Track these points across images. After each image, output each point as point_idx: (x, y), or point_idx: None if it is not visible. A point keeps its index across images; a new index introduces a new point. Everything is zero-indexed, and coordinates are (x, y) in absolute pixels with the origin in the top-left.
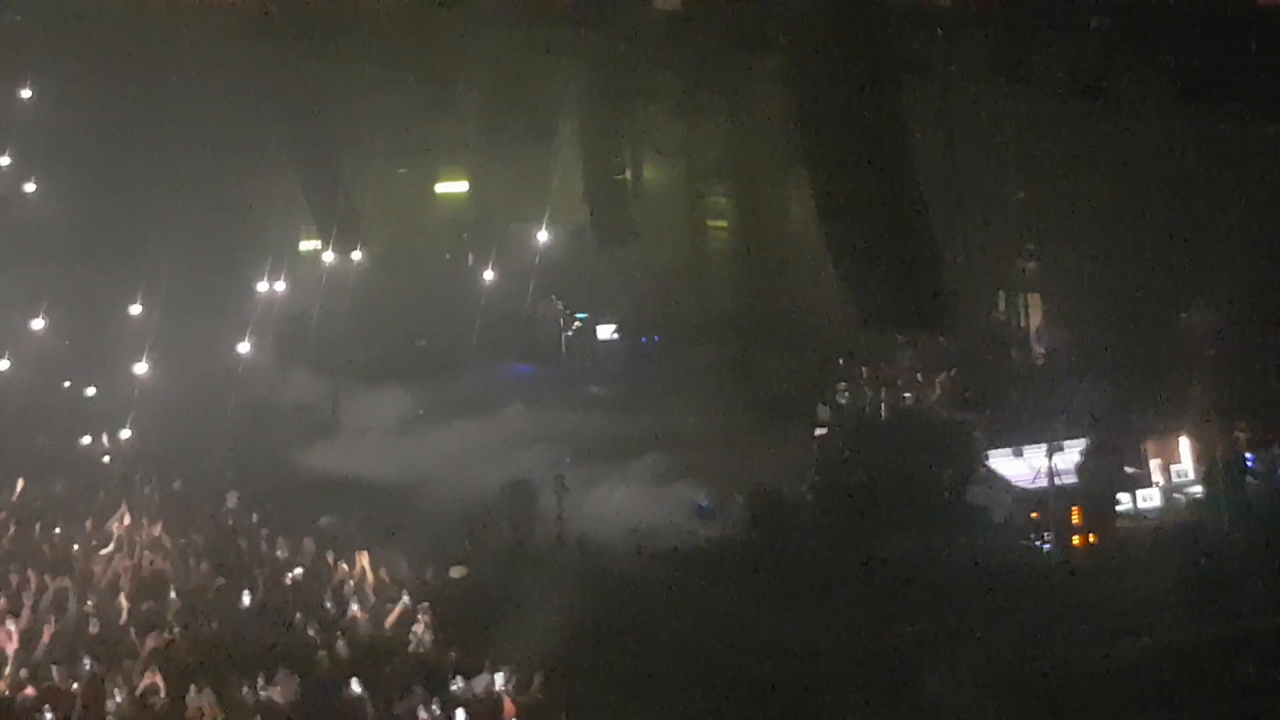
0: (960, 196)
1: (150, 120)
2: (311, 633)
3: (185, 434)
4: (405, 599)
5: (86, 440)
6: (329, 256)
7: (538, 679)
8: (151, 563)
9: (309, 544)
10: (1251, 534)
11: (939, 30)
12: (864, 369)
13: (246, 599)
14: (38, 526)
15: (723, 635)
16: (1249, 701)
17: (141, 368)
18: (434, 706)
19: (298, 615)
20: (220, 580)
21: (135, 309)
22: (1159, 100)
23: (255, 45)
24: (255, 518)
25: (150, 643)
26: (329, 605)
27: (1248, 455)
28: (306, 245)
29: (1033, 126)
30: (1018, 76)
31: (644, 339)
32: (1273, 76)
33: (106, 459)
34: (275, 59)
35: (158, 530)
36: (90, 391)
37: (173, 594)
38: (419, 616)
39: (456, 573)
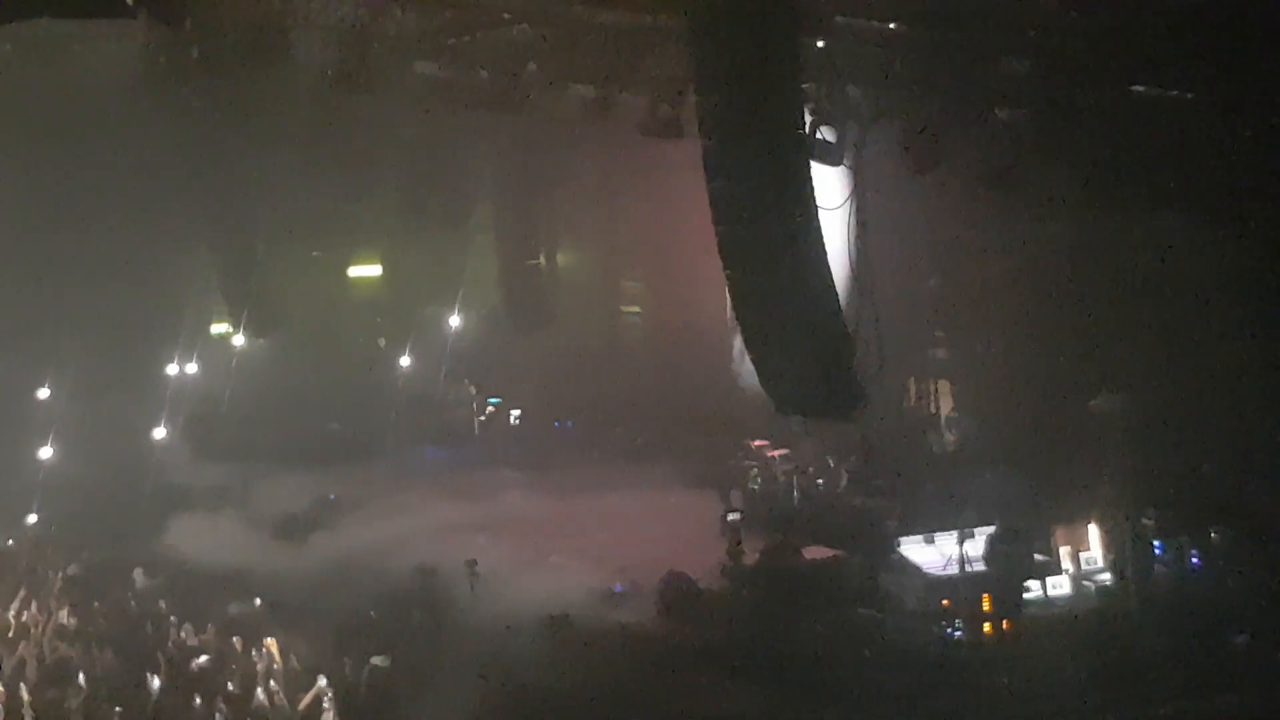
0: (872, 284)
1: (62, 199)
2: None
3: (92, 518)
4: (321, 681)
5: None
6: (240, 339)
7: None
8: (56, 649)
9: (217, 630)
10: (1160, 621)
11: (851, 122)
12: (776, 454)
13: (154, 685)
14: None
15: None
16: None
17: (46, 451)
18: None
19: (204, 702)
20: (126, 667)
21: (43, 392)
22: (1067, 191)
23: (171, 126)
24: (163, 604)
25: None
26: (236, 690)
27: (1156, 543)
28: (218, 328)
29: (943, 215)
30: (927, 167)
31: (557, 423)
32: (1177, 170)
33: (11, 543)
34: (190, 139)
35: (63, 616)
36: None
37: (81, 679)
38: (326, 704)
39: (380, 661)
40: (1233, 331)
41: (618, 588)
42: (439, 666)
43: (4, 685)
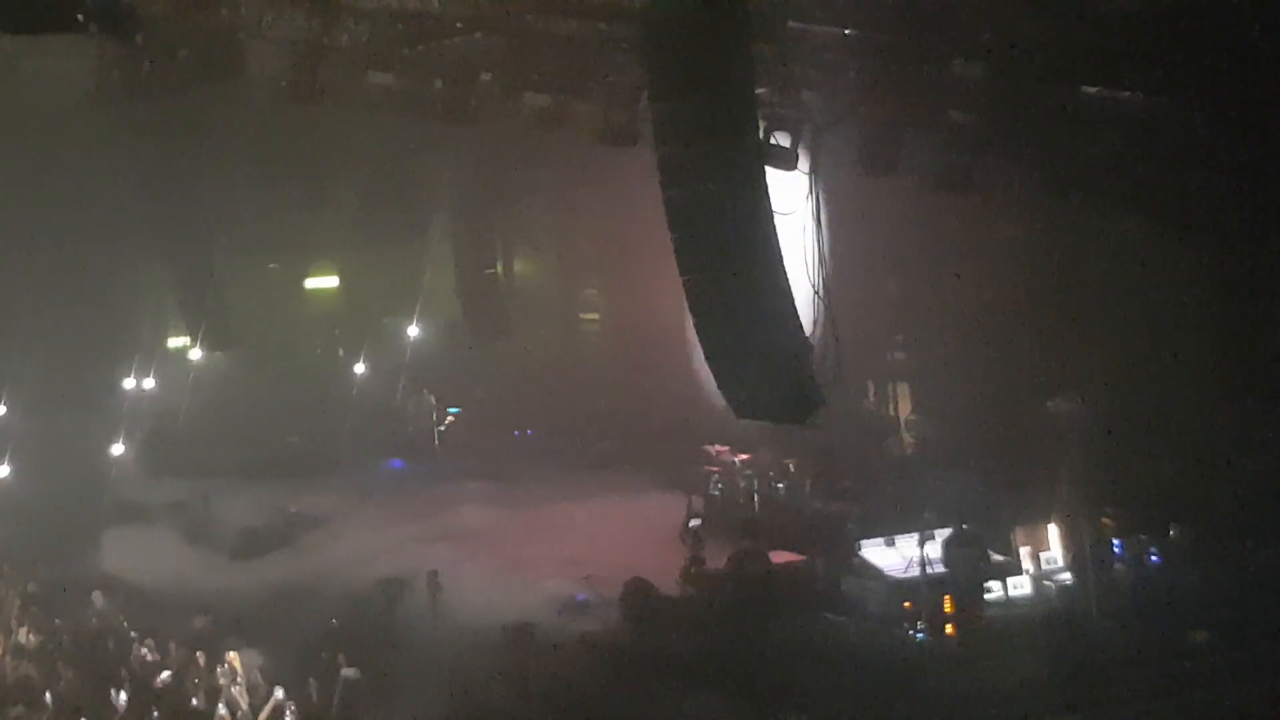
0: (829, 288)
1: (14, 215)
2: None
3: (49, 536)
4: (278, 694)
5: None
6: (197, 353)
7: None
8: (17, 667)
9: (178, 645)
10: (1121, 620)
11: (806, 127)
12: (737, 459)
13: (119, 701)
14: None
15: None
16: None
17: (2, 470)
18: None
19: (167, 717)
20: (89, 684)
21: None
22: (1022, 193)
23: (124, 140)
24: (124, 621)
25: None
26: (198, 704)
27: (1115, 542)
28: (175, 341)
29: (900, 219)
30: (883, 171)
31: (517, 432)
32: (1132, 171)
33: None
34: (144, 154)
35: (23, 635)
36: None
37: (47, 697)
38: (288, 716)
39: (351, 673)
40: (1189, 331)
41: (580, 596)
42: (402, 678)
43: None
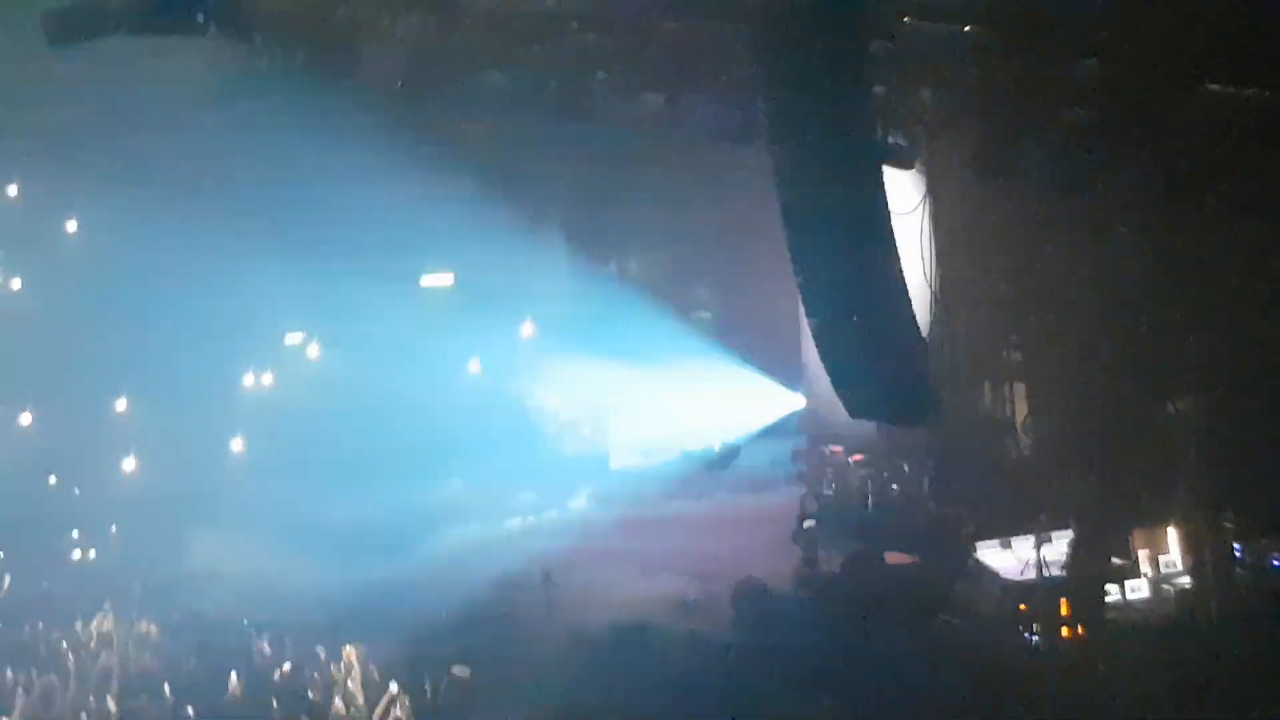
0: (945, 288)
1: (139, 210)
2: None
3: (172, 528)
4: (393, 688)
5: (74, 536)
6: (314, 350)
7: None
8: (139, 659)
9: (295, 639)
10: (1241, 625)
11: (922, 126)
12: (851, 460)
13: (237, 693)
14: (25, 626)
15: None
16: None
17: (129, 463)
18: None
19: (285, 709)
20: (208, 676)
21: (121, 403)
22: (1142, 194)
23: (242, 139)
24: (244, 619)
25: None
26: (314, 697)
27: (1236, 546)
28: (292, 339)
29: (1016, 219)
30: (999, 171)
31: (628, 432)
32: (1255, 170)
33: (93, 554)
34: (260, 152)
35: (144, 627)
36: (76, 490)
37: (166, 690)
38: (399, 712)
39: (460, 671)
40: None
41: (691, 596)
42: (513, 676)
43: (92, 695)
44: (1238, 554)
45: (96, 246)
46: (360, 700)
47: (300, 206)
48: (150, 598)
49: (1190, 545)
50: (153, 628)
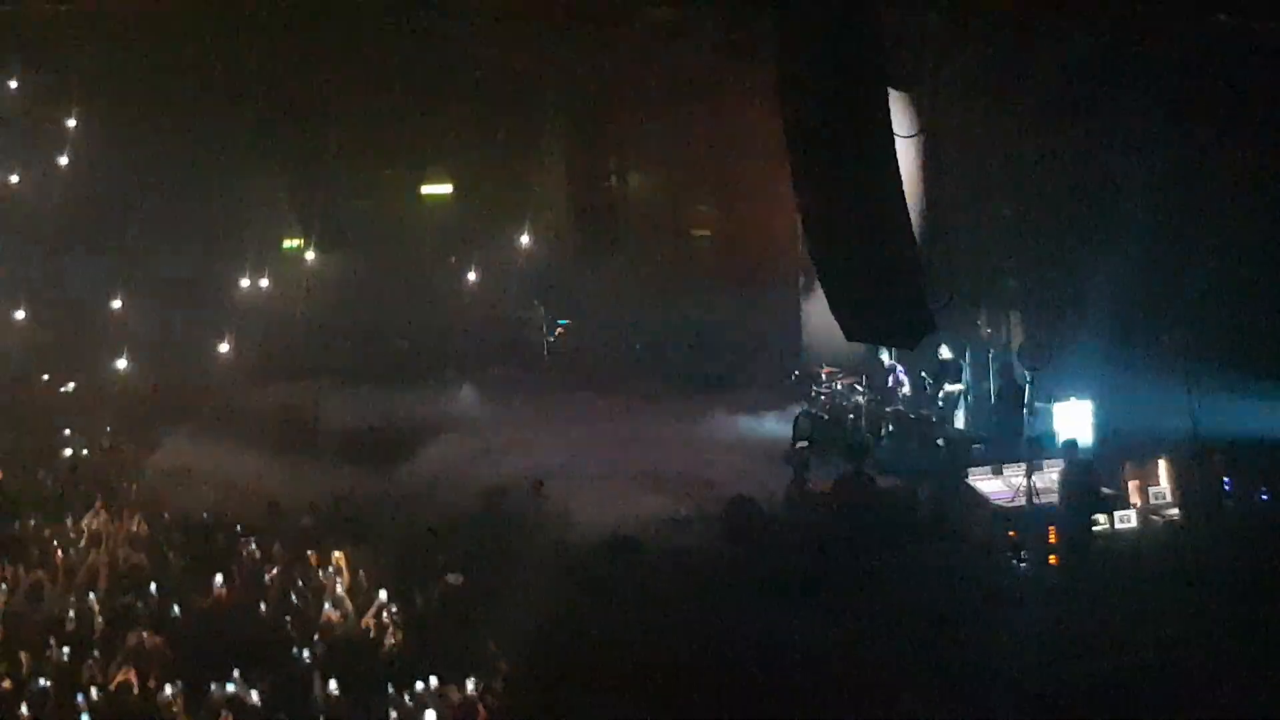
0: (944, 213)
1: (136, 117)
2: (288, 630)
3: (166, 428)
4: (382, 595)
5: (65, 433)
6: (311, 255)
7: (512, 681)
8: (128, 558)
9: (285, 543)
10: (1228, 557)
11: (926, 47)
12: (845, 382)
13: (223, 594)
14: (15, 523)
15: (698, 641)
16: None
17: (122, 363)
18: (407, 704)
19: (274, 612)
20: (197, 576)
21: (116, 304)
22: (1145, 122)
23: (241, 44)
24: (234, 519)
25: (129, 640)
26: (301, 602)
27: (1225, 479)
28: (289, 244)
29: (1018, 145)
30: (1007, 93)
31: (625, 347)
32: (1260, 102)
33: (85, 452)
34: (261, 57)
35: (135, 525)
36: (70, 386)
37: (152, 588)
38: (388, 615)
39: (454, 579)
40: None
41: (683, 513)
42: (503, 587)
43: (74, 594)
44: (1227, 487)
45: (94, 147)
46: (349, 606)
47: (300, 112)
48: (141, 497)
49: (1179, 477)
50: (143, 527)
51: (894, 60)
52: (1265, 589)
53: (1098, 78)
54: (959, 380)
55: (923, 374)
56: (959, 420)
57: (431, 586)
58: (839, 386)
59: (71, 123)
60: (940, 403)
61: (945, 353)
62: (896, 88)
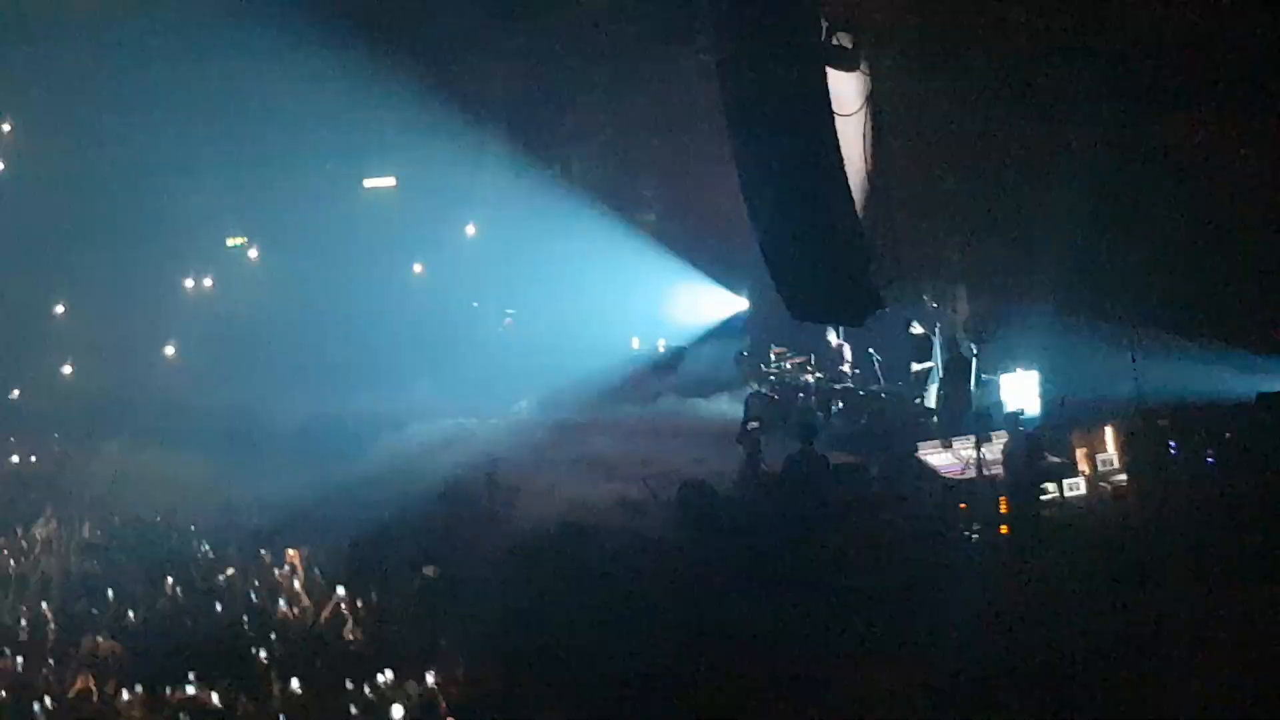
0: (887, 189)
1: (72, 118)
2: (245, 630)
3: (114, 431)
4: (340, 591)
5: (11, 440)
6: (254, 253)
7: (472, 673)
8: (81, 564)
9: (241, 541)
10: (1176, 521)
11: (866, 23)
12: (795, 362)
13: (180, 597)
14: None
15: (655, 627)
16: (1167, 692)
17: (67, 369)
18: (368, 698)
19: (230, 613)
20: (152, 580)
21: (59, 308)
22: (1088, 91)
23: (182, 36)
24: (188, 520)
25: (85, 646)
26: (258, 600)
27: (1171, 444)
28: (232, 241)
29: (960, 118)
30: (946, 71)
31: (572, 333)
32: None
33: (34, 459)
34: (202, 49)
35: (86, 531)
36: (14, 394)
37: (110, 594)
38: (346, 610)
39: (429, 572)
40: (1255, 233)
41: (635, 496)
42: (459, 580)
43: (26, 603)
44: (1173, 451)
45: (34, 149)
46: (305, 602)
47: (242, 106)
48: (92, 503)
49: (1126, 444)
50: (95, 532)
51: (833, 39)
52: (1212, 551)
53: (1039, 52)
54: (928, 358)
55: (870, 350)
56: (930, 398)
57: (389, 581)
58: (788, 366)
59: (5, 127)
60: (912, 378)
61: (916, 328)
62: (835, 67)
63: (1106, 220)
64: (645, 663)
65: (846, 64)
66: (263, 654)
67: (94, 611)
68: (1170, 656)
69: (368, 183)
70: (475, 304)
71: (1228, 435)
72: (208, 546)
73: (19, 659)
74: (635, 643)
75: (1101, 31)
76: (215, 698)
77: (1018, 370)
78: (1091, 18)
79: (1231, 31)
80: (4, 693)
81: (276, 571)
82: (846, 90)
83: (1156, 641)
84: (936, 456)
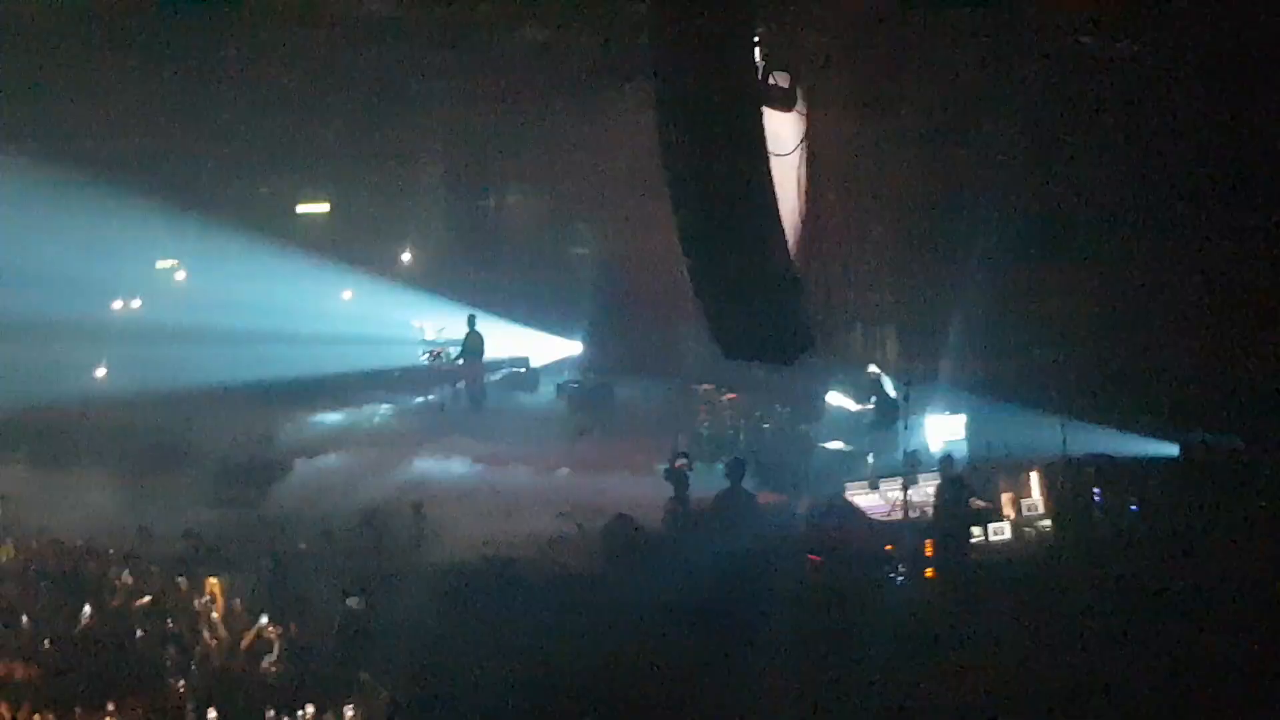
0: (821, 230)
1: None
2: (163, 659)
3: (36, 455)
4: (263, 620)
5: None
6: (182, 275)
7: (393, 707)
8: None
9: (159, 570)
10: (1098, 567)
11: (804, 67)
12: (724, 399)
13: (94, 624)
14: None
15: (579, 663)
16: None
17: None
18: None
19: (147, 641)
20: (67, 606)
21: None
22: (1017, 141)
23: (114, 61)
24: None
25: None
26: (176, 627)
27: (1095, 490)
28: (162, 264)
29: (895, 163)
30: (883, 113)
31: (507, 365)
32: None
33: None
34: (134, 73)
35: (2, 554)
36: None
37: (24, 620)
38: (267, 640)
39: (354, 603)
40: (1178, 284)
41: (562, 532)
42: (382, 612)
43: None
44: (1097, 498)
45: None
46: (223, 632)
47: (174, 130)
48: (9, 526)
49: (1051, 490)
50: (11, 555)
51: (769, 79)
52: (1134, 599)
53: (971, 97)
54: (876, 396)
55: (800, 386)
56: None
57: (310, 611)
58: (719, 402)
59: None
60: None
61: (872, 369)
62: (771, 107)
63: (1035, 266)
64: (567, 701)
65: (783, 105)
66: (181, 684)
67: (10, 637)
68: (1093, 705)
69: (300, 208)
70: (403, 332)
71: (1150, 484)
72: (127, 572)
73: None
74: (557, 681)
75: (1036, 78)
76: None
77: (945, 413)
78: (1026, 62)
79: (1159, 89)
80: None
81: (196, 600)
82: (783, 130)
83: (1078, 689)
84: (863, 498)
